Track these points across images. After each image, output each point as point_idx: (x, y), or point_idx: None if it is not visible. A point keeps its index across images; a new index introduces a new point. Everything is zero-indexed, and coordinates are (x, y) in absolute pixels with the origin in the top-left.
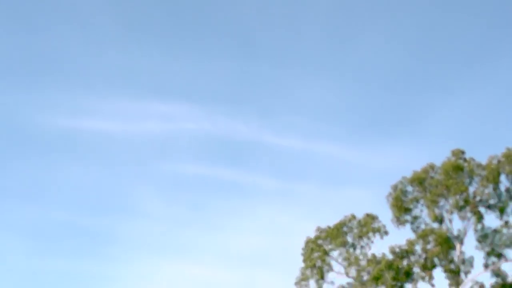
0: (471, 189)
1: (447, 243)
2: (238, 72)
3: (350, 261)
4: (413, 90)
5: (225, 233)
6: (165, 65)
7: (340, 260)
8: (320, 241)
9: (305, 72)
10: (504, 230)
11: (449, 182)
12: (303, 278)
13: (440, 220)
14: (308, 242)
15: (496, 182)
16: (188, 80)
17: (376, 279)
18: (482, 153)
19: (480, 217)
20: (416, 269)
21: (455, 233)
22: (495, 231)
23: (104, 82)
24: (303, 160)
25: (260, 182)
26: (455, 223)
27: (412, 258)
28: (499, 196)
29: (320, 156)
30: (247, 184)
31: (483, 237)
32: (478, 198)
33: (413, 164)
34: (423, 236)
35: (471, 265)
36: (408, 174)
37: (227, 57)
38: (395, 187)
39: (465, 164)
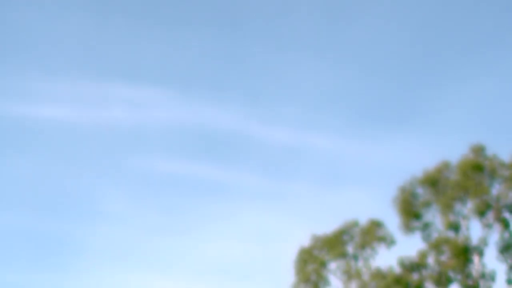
0: (494, 192)
1: (464, 254)
2: (221, 51)
3: (351, 275)
4: (422, 76)
5: (202, 241)
6: (133, 42)
7: (338, 273)
8: (315, 251)
9: (299, 54)
10: None
11: (467, 183)
12: None
13: (456, 227)
14: (302, 252)
15: None
16: (161, 60)
17: None
18: (505, 149)
19: (506, 224)
20: (429, 285)
21: (474, 242)
22: None
23: (60, 62)
24: (295, 155)
25: (245, 181)
26: (474, 231)
27: (424, 272)
28: None
29: (315, 151)
30: (230, 184)
31: (506, 247)
32: (502, 202)
33: (424, 161)
34: (436, 246)
35: (492, 279)
36: (419, 174)
37: (209, 34)
38: (403, 189)
39: (486, 162)
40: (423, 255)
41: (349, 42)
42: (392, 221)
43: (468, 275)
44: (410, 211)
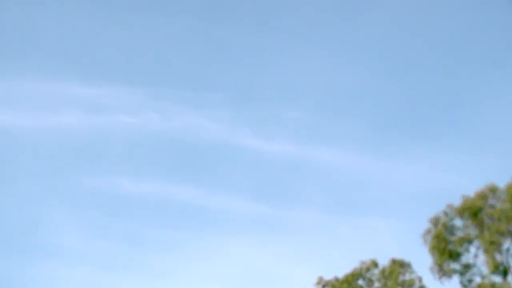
0: None
1: None
2: (202, 40)
3: None
4: (461, 73)
5: (176, 280)
6: (92, 30)
7: None
8: None
9: (301, 43)
10: None
11: None
12: None
13: (504, 271)
14: None
15: None
16: (127, 53)
17: None
18: None
19: None
20: None
21: None
22: None
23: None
24: (299, 174)
25: (233, 206)
26: None
27: None
28: None
29: (324, 168)
30: (213, 210)
31: None
32: None
33: (464, 185)
34: None
35: None
36: (457, 201)
37: (186, 17)
38: (436, 220)
39: None
40: None
41: (365, 30)
42: (421, 262)
43: None
44: (445, 249)
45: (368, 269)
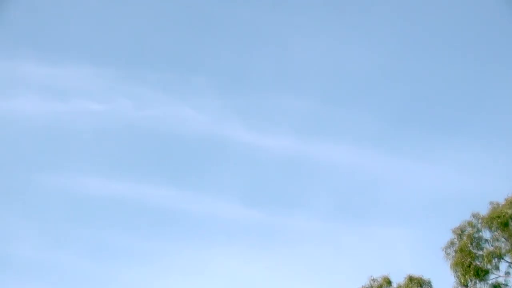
0: None
1: None
2: (184, 12)
3: None
4: (497, 55)
5: None
6: (54, 4)
7: None
8: None
9: (305, 16)
10: None
11: None
12: None
13: None
14: None
15: None
16: (95, 27)
17: None
18: None
19: None
20: None
21: None
22: None
23: None
24: (296, 172)
25: (220, 211)
26: None
27: None
28: None
29: (326, 166)
30: (197, 214)
31: None
32: None
33: (493, 191)
34: None
35: None
36: (484, 209)
37: None
38: (460, 231)
39: None
40: None
41: (389, 9)
42: (442, 280)
43: None
44: (471, 266)
45: (380, 287)
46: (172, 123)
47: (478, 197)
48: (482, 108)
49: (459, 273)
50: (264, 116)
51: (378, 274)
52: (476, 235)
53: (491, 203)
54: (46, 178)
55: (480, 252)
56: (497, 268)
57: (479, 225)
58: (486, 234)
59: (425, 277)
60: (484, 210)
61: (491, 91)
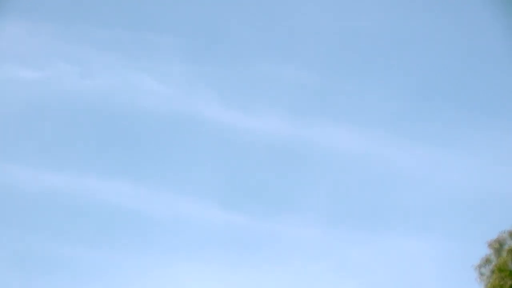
0: None
1: None
2: None
3: None
4: None
5: None
6: None
7: None
8: None
9: None
10: None
11: None
12: None
13: None
14: None
15: None
16: None
17: None
18: None
19: None
20: None
21: None
22: None
23: None
24: (289, 163)
25: (190, 212)
26: None
27: None
28: None
29: (328, 155)
30: (159, 216)
31: None
32: None
33: None
34: None
35: None
36: None
37: None
38: (498, 245)
39: None
40: None
41: None
42: None
43: None
44: None
45: None
46: (127, 96)
47: None
48: None
49: None
50: (247, 89)
51: None
52: None
53: None
54: None
55: None
56: None
57: None
58: None
59: None
60: None
61: None
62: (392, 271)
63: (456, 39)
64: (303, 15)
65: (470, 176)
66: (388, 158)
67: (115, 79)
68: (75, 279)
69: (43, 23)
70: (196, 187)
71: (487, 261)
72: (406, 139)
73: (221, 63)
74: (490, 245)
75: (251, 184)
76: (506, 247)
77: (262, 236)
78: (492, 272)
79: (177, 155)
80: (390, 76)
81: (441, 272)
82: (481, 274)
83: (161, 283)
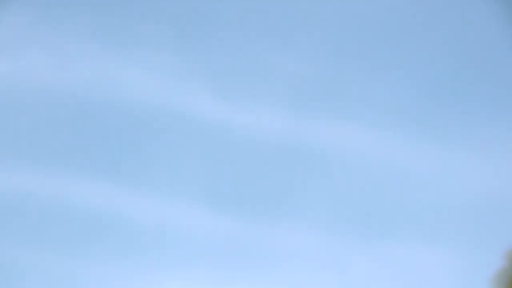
0: None
1: None
2: None
3: None
4: None
5: None
6: None
7: None
8: None
9: None
10: None
11: None
12: None
13: None
14: None
15: None
16: None
17: None
18: None
19: None
20: None
21: None
22: None
23: None
24: (288, 164)
25: (177, 217)
26: None
27: None
28: None
29: (331, 155)
30: (142, 221)
31: None
32: None
33: None
34: None
35: None
36: None
37: None
38: None
39: None
40: None
41: None
42: None
43: None
44: None
45: None
46: (108, 89)
47: None
48: None
49: None
50: (242, 81)
51: None
52: None
53: None
54: None
55: None
56: None
57: None
58: None
59: None
60: None
61: None
62: (399, 282)
63: (475, 29)
64: None
65: (485, 179)
66: (397, 159)
67: (95, 70)
68: None
69: (15, 9)
70: (184, 189)
71: (503, 272)
72: (419, 137)
73: (213, 52)
74: (507, 255)
75: (246, 187)
76: None
77: (257, 243)
78: (509, 285)
79: (163, 154)
80: (403, 68)
81: (453, 284)
82: (497, 287)
83: None
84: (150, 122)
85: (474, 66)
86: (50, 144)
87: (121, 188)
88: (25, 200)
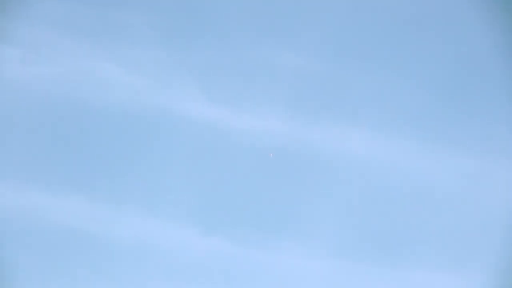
0: None
1: None
2: None
3: None
4: None
5: None
6: None
7: None
8: None
9: None
10: None
11: None
12: None
13: None
14: None
15: None
16: None
17: None
18: None
19: None
20: None
21: None
22: None
23: None
24: (288, 173)
25: (161, 236)
26: None
27: None
28: None
29: (336, 164)
30: (121, 241)
31: None
32: None
33: None
34: None
35: None
36: None
37: None
38: None
39: None
40: None
41: None
42: None
43: None
44: None
45: None
46: (84, 88)
47: None
48: None
49: None
50: (237, 79)
51: None
52: None
53: None
54: None
55: None
56: None
57: None
58: None
59: None
60: None
61: None
62: None
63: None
64: None
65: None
66: (413, 169)
67: (69, 66)
68: None
69: None
70: (170, 205)
71: None
72: (436, 145)
73: (204, 48)
74: None
75: (241, 201)
76: None
77: (253, 267)
78: None
79: (147, 163)
80: (414, 64)
81: None
82: None
83: None
84: (133, 127)
85: (480, 66)
86: (18, 153)
87: (101, 203)
88: None
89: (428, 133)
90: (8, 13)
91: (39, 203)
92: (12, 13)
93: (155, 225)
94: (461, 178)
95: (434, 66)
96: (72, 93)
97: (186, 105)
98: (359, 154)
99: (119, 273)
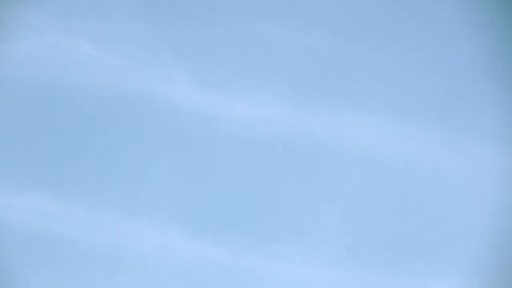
0: None
1: None
2: None
3: None
4: None
5: None
6: None
7: None
8: None
9: None
10: None
11: None
12: None
13: None
14: None
15: None
16: None
17: None
18: None
19: None
20: None
21: None
22: None
23: None
24: (289, 168)
25: (145, 239)
26: None
27: None
28: None
29: (343, 157)
30: (99, 245)
31: None
32: None
33: None
34: None
35: None
36: None
37: None
38: None
39: None
40: None
41: None
42: None
43: None
44: None
45: None
46: (54, 69)
47: None
48: None
49: None
50: (229, 59)
51: None
52: None
53: None
54: None
55: None
56: None
57: None
58: None
59: None
60: None
61: None
62: None
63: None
64: None
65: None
66: (432, 163)
67: (37, 43)
68: None
69: None
70: (153, 203)
71: None
72: (458, 136)
73: (190, 23)
74: None
75: (234, 200)
76: None
77: (248, 275)
78: None
79: (125, 157)
80: (434, 44)
81: None
82: None
83: None
84: (108, 114)
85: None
86: None
87: (73, 202)
88: None
89: (453, 124)
90: None
91: (4, 202)
92: None
93: (136, 225)
94: (488, 173)
95: (458, 49)
96: (40, 74)
97: (169, 88)
98: (368, 147)
99: (94, 279)
